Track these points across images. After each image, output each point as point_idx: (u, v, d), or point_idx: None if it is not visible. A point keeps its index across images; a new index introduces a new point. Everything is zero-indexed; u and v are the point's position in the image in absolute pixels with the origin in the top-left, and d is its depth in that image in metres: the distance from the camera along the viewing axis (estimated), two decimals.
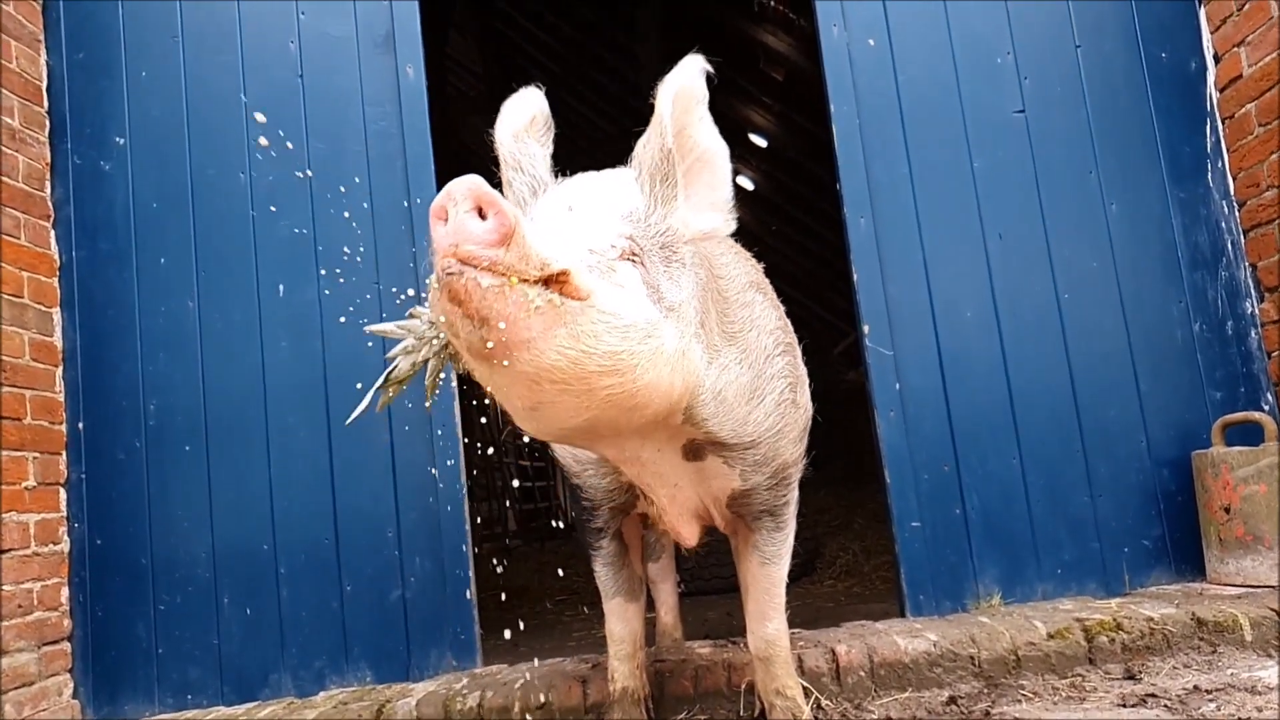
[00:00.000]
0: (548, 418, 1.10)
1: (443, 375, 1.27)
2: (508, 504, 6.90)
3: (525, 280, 0.99)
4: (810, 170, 7.36)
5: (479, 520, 6.19)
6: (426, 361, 1.21)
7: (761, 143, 7.47)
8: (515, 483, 7.28)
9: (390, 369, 1.24)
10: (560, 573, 4.51)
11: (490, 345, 1.00)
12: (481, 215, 0.98)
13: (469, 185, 0.99)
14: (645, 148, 1.30)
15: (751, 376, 1.45)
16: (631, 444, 1.33)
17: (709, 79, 1.32)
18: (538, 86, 1.47)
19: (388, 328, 1.25)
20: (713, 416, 1.35)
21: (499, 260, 0.97)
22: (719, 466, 1.48)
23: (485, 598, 3.27)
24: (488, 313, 0.98)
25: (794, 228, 8.95)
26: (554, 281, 1.01)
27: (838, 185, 2.42)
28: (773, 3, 5.35)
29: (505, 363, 1.02)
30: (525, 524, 7.06)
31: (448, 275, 0.97)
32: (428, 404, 1.27)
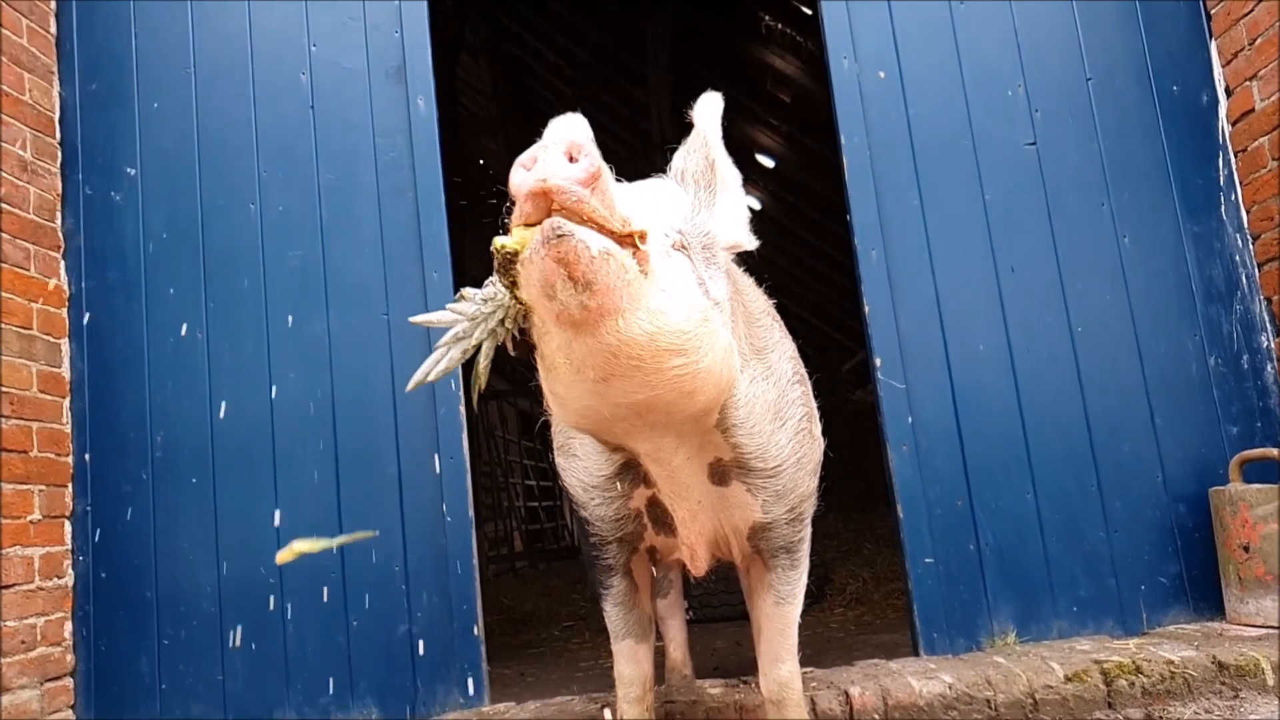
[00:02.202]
0: (614, 391, 1.10)
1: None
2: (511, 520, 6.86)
3: (610, 232, 1.01)
4: (817, 190, 7.38)
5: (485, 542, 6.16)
6: (479, 345, 1.17)
7: (769, 163, 7.48)
8: (520, 502, 7.24)
9: (438, 360, 1.18)
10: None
11: (586, 309, 1.01)
12: (571, 160, 1.01)
13: (563, 132, 1.03)
14: (689, 156, 1.40)
15: (776, 396, 1.47)
16: (669, 442, 1.32)
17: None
18: (551, 107, 1.51)
19: (436, 316, 1.21)
20: (743, 424, 1.37)
21: (586, 201, 1.00)
22: (742, 495, 1.47)
23: (491, 622, 3.24)
24: (593, 277, 0.99)
25: (800, 247, 8.96)
26: (631, 241, 1.04)
27: (848, 217, 2.41)
28: (780, 25, 5.38)
29: (591, 332, 1.03)
30: (530, 544, 7.02)
31: (558, 237, 0.98)
32: (476, 392, 1.22)
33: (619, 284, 1.01)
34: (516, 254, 1.06)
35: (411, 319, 1.30)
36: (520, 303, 1.12)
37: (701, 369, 1.12)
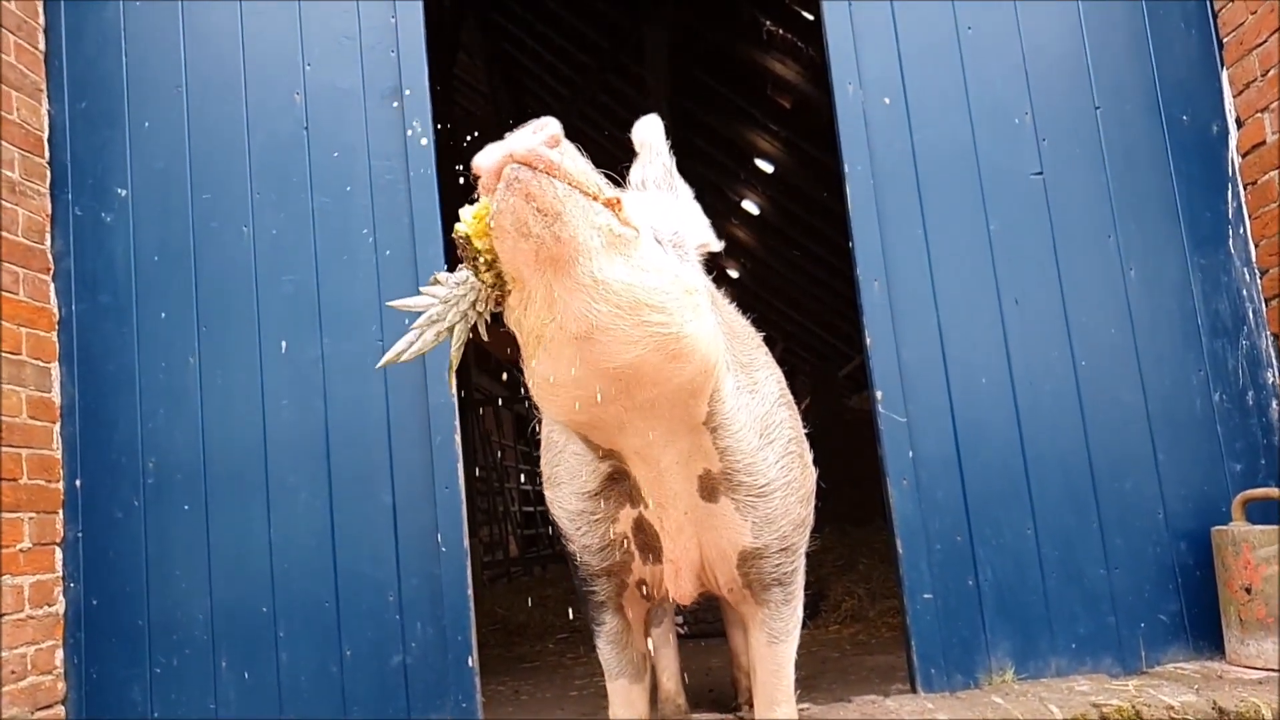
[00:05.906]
0: (597, 350, 1.09)
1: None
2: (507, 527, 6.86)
3: (585, 193, 1.03)
4: (815, 196, 7.32)
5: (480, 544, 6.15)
6: (451, 329, 1.17)
7: (768, 168, 7.42)
8: (516, 507, 7.23)
9: (412, 341, 1.20)
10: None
11: (560, 241, 1.01)
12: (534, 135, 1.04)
13: (529, 124, 1.05)
14: (648, 166, 1.48)
15: (762, 411, 1.47)
16: (659, 436, 1.31)
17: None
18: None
19: (413, 300, 1.22)
20: (730, 423, 1.37)
21: (557, 164, 1.01)
22: (731, 514, 1.46)
23: (485, 634, 3.21)
24: (561, 208, 1.01)
25: (799, 253, 8.91)
26: (607, 205, 1.06)
27: (850, 245, 2.37)
28: (781, 30, 5.32)
29: (568, 271, 1.03)
30: (525, 548, 7.02)
31: (518, 179, 0.99)
32: (451, 376, 1.28)
33: (587, 220, 1.02)
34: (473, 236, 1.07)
35: (389, 303, 1.31)
36: (487, 285, 1.12)
37: (686, 333, 1.13)
